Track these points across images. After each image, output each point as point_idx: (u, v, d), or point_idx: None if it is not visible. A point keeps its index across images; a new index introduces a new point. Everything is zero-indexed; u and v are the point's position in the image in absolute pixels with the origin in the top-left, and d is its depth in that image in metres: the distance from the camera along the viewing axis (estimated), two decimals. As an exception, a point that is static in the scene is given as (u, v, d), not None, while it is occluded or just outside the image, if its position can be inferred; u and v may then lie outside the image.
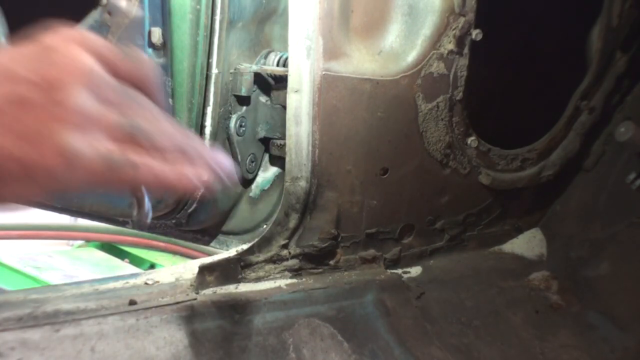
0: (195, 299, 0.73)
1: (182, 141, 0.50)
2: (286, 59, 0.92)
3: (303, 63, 0.77)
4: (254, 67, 0.96)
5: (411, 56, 0.84)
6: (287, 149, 0.80)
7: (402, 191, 0.91)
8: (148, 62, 0.52)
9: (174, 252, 2.68)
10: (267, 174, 1.02)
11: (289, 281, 0.84)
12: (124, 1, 0.82)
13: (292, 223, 0.83)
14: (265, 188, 1.02)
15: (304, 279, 0.85)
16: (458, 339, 0.86)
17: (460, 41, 0.85)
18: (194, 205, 0.99)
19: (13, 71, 0.42)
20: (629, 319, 0.92)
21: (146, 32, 0.85)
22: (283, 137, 0.82)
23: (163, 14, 0.85)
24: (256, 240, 0.83)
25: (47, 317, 0.63)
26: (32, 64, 0.43)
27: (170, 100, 0.97)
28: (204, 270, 0.77)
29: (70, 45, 0.45)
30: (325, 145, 0.80)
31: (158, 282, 0.77)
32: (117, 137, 0.45)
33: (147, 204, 0.52)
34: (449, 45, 0.85)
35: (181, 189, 0.49)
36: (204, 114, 0.90)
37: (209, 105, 0.94)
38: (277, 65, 0.97)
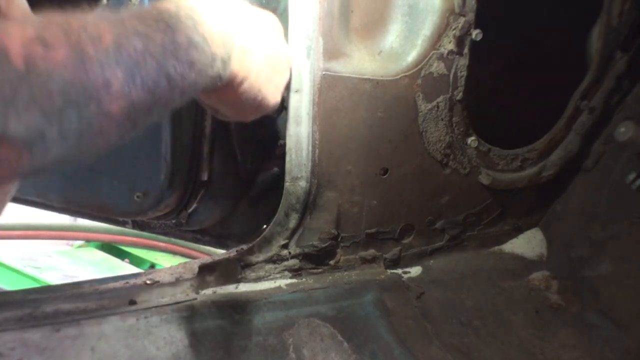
0: (195, 299, 0.73)
1: None
2: (286, 59, 0.92)
3: (303, 63, 0.77)
4: (254, 67, 0.96)
5: (411, 56, 0.84)
6: (287, 149, 0.80)
7: (402, 191, 0.91)
8: None
9: (174, 252, 2.68)
10: (267, 174, 1.02)
11: (289, 281, 0.84)
12: None
13: (292, 223, 0.83)
14: (265, 188, 1.02)
15: (304, 279, 0.85)
16: (458, 339, 0.86)
17: (460, 41, 0.85)
18: (194, 205, 0.99)
19: None
20: (629, 319, 0.92)
21: (146, 32, 0.85)
22: (283, 137, 0.82)
23: (163, 14, 0.85)
24: (256, 240, 0.83)
25: (47, 317, 0.63)
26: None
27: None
28: (204, 270, 0.77)
29: None
30: (325, 145, 0.80)
31: (158, 282, 0.77)
32: None
33: None
34: (449, 45, 0.85)
35: None
36: (203, 114, 0.90)
37: (209, 105, 0.94)
38: (277, 65, 0.97)
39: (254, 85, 0.65)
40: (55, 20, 0.42)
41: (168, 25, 0.50)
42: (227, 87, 0.62)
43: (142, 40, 0.46)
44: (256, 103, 0.68)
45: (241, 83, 0.63)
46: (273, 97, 0.71)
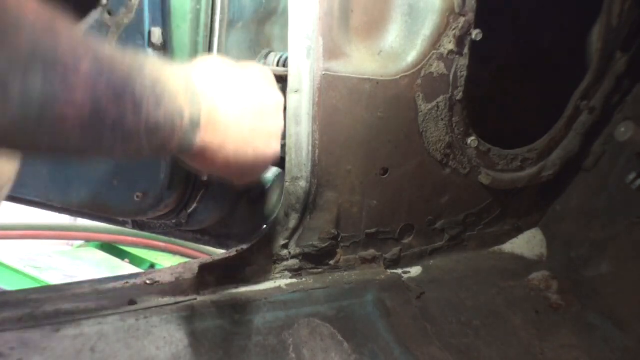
0: (195, 299, 0.73)
1: None
2: (286, 59, 0.92)
3: (303, 63, 0.77)
4: (254, 67, 0.96)
5: (411, 56, 0.84)
6: (287, 149, 0.80)
7: (402, 191, 0.91)
8: None
9: (174, 252, 2.68)
10: (267, 174, 1.02)
11: (289, 281, 0.84)
12: None
13: (292, 223, 0.83)
14: (265, 188, 1.02)
15: (304, 279, 0.85)
16: (458, 339, 0.86)
17: (460, 41, 0.85)
18: (194, 205, 0.99)
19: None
20: (629, 319, 0.92)
21: (146, 32, 0.85)
22: (283, 137, 0.82)
23: (163, 14, 0.85)
24: (256, 240, 0.83)
25: (47, 317, 0.63)
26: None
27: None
28: (204, 270, 0.77)
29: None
30: (325, 145, 0.80)
31: (158, 282, 0.77)
32: None
33: None
34: (449, 45, 0.85)
35: None
36: (204, 114, 0.90)
37: (209, 105, 0.93)
38: (277, 65, 0.97)
39: (238, 145, 0.61)
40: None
41: (138, 59, 0.49)
42: (206, 152, 0.59)
43: (110, 51, 0.46)
44: (249, 160, 0.63)
45: (221, 145, 0.60)
46: (267, 148, 0.66)
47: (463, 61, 0.87)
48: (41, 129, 0.42)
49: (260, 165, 0.67)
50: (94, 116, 0.44)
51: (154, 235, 2.26)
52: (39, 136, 0.42)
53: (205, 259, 0.81)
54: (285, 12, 0.98)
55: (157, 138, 0.52)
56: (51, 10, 0.41)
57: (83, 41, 0.43)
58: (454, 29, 0.84)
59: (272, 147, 0.67)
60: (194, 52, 0.88)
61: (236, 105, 0.62)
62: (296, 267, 0.85)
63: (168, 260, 2.58)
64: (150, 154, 0.53)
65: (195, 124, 0.56)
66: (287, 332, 0.75)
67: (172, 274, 0.79)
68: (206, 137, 0.58)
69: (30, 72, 0.39)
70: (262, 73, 0.70)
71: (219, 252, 0.83)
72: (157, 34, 0.85)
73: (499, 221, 1.08)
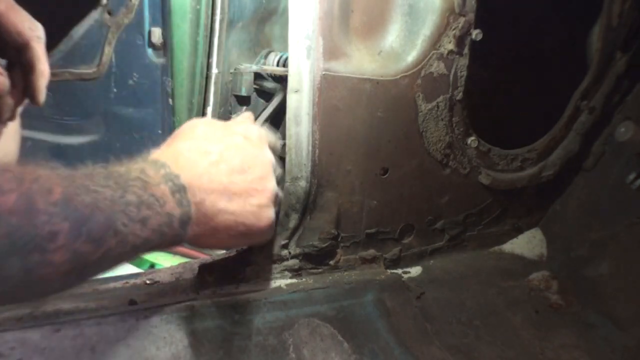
0: (195, 299, 0.73)
1: None
2: (286, 59, 0.92)
3: (303, 63, 0.77)
4: (254, 67, 0.96)
5: (411, 56, 0.84)
6: (287, 149, 0.80)
7: (402, 191, 0.91)
8: None
9: (174, 252, 2.68)
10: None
11: (289, 281, 0.84)
12: None
13: (292, 223, 0.83)
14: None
15: (304, 279, 0.85)
16: (458, 339, 0.86)
17: (460, 41, 0.85)
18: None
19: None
20: (629, 319, 0.92)
21: (146, 32, 0.85)
22: (283, 137, 0.82)
23: (163, 14, 0.85)
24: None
25: (47, 317, 0.63)
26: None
27: (170, 100, 0.97)
28: (204, 270, 0.77)
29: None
30: (325, 145, 0.80)
31: (158, 282, 0.77)
32: None
33: None
34: (449, 45, 0.85)
35: None
36: (203, 114, 0.90)
37: (209, 105, 0.94)
38: (277, 65, 0.97)
39: (228, 225, 0.63)
40: (10, 168, 0.43)
41: (117, 184, 0.50)
42: (199, 238, 0.62)
43: (91, 196, 0.47)
44: (242, 235, 0.66)
45: (212, 231, 0.62)
46: (258, 221, 0.67)
47: (463, 61, 0.87)
48: (19, 293, 0.44)
49: (255, 236, 0.69)
50: (76, 266, 0.46)
51: (154, 235, 2.25)
52: (17, 297, 0.45)
53: (205, 259, 0.81)
54: (285, 12, 0.98)
55: (147, 248, 0.54)
56: (30, 180, 0.43)
57: (62, 202, 0.44)
58: (454, 29, 0.84)
59: (264, 217, 0.68)
60: (194, 52, 0.88)
61: (224, 189, 0.63)
62: (296, 267, 0.85)
63: (168, 260, 2.57)
64: (140, 256, 0.56)
65: (185, 224, 0.58)
66: (287, 332, 0.75)
67: (172, 274, 0.79)
68: (197, 229, 0.60)
69: (8, 259, 0.40)
70: (248, 133, 0.70)
71: (219, 252, 0.83)
72: (157, 34, 0.85)
73: (499, 221, 1.08)
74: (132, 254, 0.52)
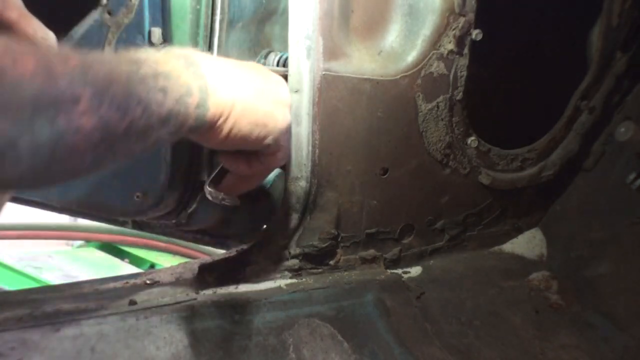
0: (195, 299, 0.73)
1: None
2: (286, 59, 0.92)
3: (303, 63, 0.77)
4: (254, 67, 0.96)
5: (411, 56, 0.84)
6: (287, 149, 0.80)
7: (402, 191, 0.91)
8: None
9: (174, 252, 2.68)
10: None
11: (289, 281, 0.84)
12: None
13: (292, 223, 0.83)
14: (266, 188, 1.02)
15: (304, 279, 0.85)
16: (458, 339, 0.86)
17: (460, 41, 0.85)
18: (194, 205, 0.99)
19: None
20: (629, 319, 0.92)
21: (146, 32, 0.85)
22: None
23: (163, 14, 0.85)
24: (256, 240, 0.83)
25: (47, 317, 0.63)
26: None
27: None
28: (204, 270, 0.77)
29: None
30: (325, 145, 0.80)
31: (158, 282, 0.77)
32: None
33: None
34: (449, 45, 0.85)
35: None
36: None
37: (209, 105, 0.93)
38: (277, 65, 0.97)
39: (246, 105, 0.64)
40: (23, 40, 0.43)
41: (132, 60, 0.51)
42: (220, 119, 0.61)
43: (106, 68, 0.47)
44: (260, 122, 0.66)
45: (231, 109, 0.62)
46: (275, 109, 0.69)
47: (463, 61, 0.87)
48: (54, 166, 0.44)
49: (272, 128, 0.68)
50: (105, 135, 0.46)
51: (154, 235, 2.26)
52: (52, 171, 0.44)
53: (205, 259, 0.81)
54: (285, 12, 0.98)
55: (174, 124, 0.54)
56: (45, 48, 0.43)
57: (80, 69, 0.44)
58: (454, 29, 0.84)
59: (281, 112, 0.69)
60: (194, 52, 0.88)
61: (239, 74, 0.64)
62: (296, 267, 0.85)
63: (168, 260, 2.58)
64: (170, 140, 0.56)
65: (204, 94, 0.57)
66: (287, 332, 0.75)
67: (172, 274, 0.79)
68: (218, 104, 0.60)
69: (36, 124, 0.40)
70: (274, 76, 0.73)
71: (219, 252, 0.84)
72: (157, 34, 0.85)
73: (499, 221, 1.08)
74: (160, 129, 0.52)
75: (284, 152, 0.75)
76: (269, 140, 0.69)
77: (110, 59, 0.50)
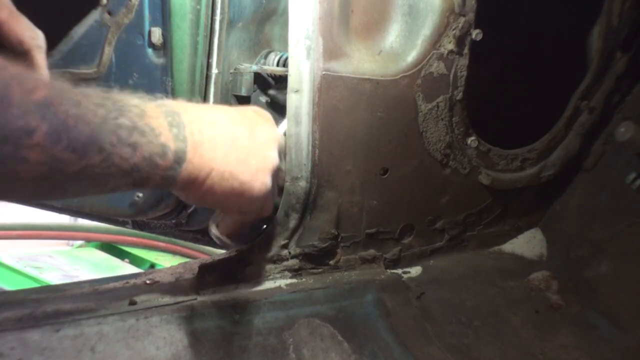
0: (195, 299, 0.73)
1: None
2: (286, 59, 0.92)
3: (303, 63, 0.77)
4: (254, 67, 0.96)
5: (411, 56, 0.84)
6: (287, 149, 0.80)
7: (402, 191, 0.91)
8: None
9: (174, 252, 2.68)
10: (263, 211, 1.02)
11: (289, 281, 0.84)
12: None
13: (292, 223, 0.83)
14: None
15: (304, 279, 0.85)
16: (458, 339, 0.86)
17: (460, 41, 0.85)
18: (194, 206, 0.99)
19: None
20: (629, 319, 0.92)
21: (146, 32, 0.85)
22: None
23: (163, 14, 0.85)
24: (256, 240, 0.83)
25: (47, 317, 0.63)
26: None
27: (170, 100, 0.97)
28: (204, 270, 0.77)
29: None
30: (325, 145, 0.80)
31: (158, 282, 0.77)
32: None
33: None
34: (449, 45, 0.85)
35: None
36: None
37: (209, 105, 0.93)
38: (277, 65, 0.97)
39: (223, 177, 0.62)
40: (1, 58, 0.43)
41: (114, 106, 0.50)
42: (192, 184, 0.60)
43: (80, 110, 0.46)
44: (235, 193, 0.64)
45: (205, 177, 0.61)
46: (254, 181, 0.66)
47: (463, 61, 0.87)
48: None
49: (247, 199, 0.66)
50: (53, 173, 0.45)
51: (154, 235, 2.26)
52: None
53: (205, 259, 0.81)
54: (285, 12, 0.98)
55: (137, 178, 0.53)
56: (17, 75, 0.43)
57: (42, 103, 0.44)
58: (454, 29, 0.84)
59: (260, 181, 0.66)
60: (194, 52, 0.88)
61: (224, 139, 0.62)
62: (296, 267, 0.85)
63: (168, 260, 2.58)
64: (131, 189, 0.55)
65: (180, 159, 0.56)
66: (287, 332, 0.75)
67: (172, 274, 0.79)
68: (191, 171, 0.58)
69: None
70: (257, 111, 0.72)
71: (219, 252, 0.83)
72: (157, 34, 0.85)
73: (499, 221, 1.08)
74: (120, 179, 0.51)
75: (267, 209, 0.73)
76: (243, 208, 0.69)
77: (93, 100, 0.49)
